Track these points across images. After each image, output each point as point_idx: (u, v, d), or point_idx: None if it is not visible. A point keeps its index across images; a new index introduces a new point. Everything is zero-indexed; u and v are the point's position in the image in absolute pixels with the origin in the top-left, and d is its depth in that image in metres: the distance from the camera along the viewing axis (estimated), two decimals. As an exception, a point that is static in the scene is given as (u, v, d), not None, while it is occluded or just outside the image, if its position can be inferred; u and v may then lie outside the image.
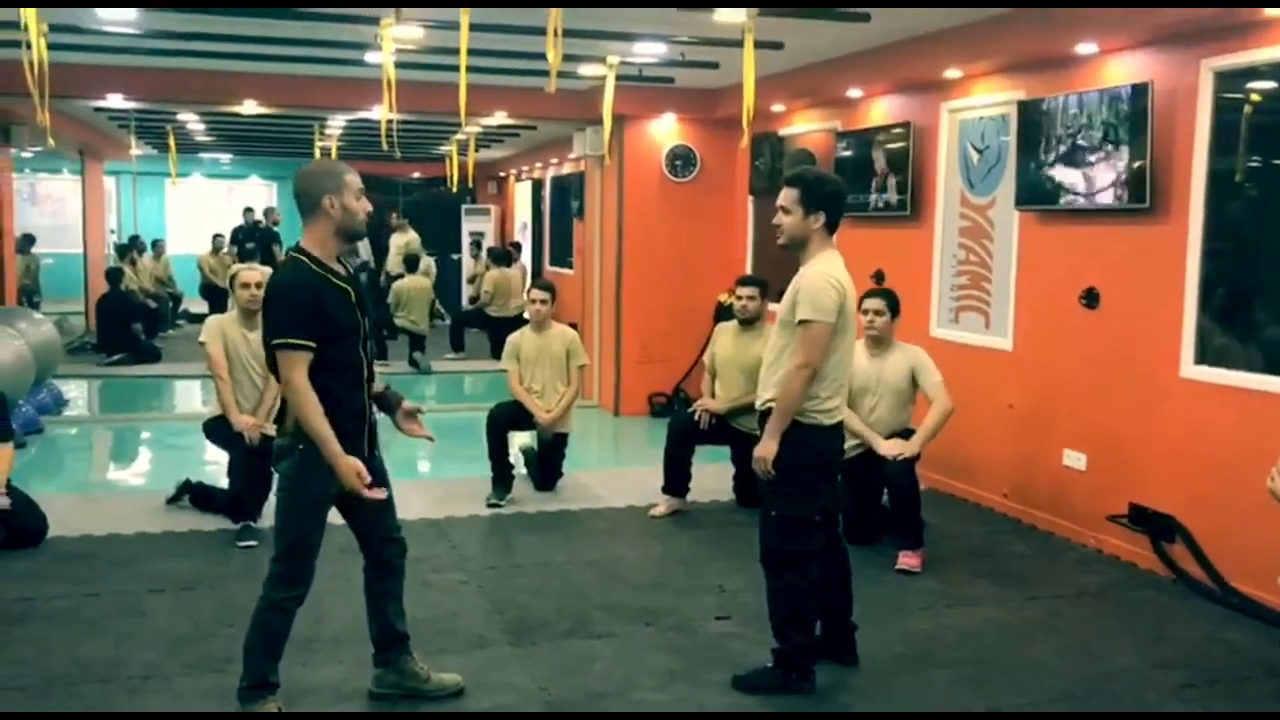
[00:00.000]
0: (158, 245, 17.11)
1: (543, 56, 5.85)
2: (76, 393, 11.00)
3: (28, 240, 14.45)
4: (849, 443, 5.96)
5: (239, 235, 17.83)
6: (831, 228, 4.03)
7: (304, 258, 3.57)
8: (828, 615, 4.25)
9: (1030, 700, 4.03)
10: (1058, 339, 6.19)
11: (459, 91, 6.07)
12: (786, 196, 4.02)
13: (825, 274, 3.92)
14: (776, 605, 4.06)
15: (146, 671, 4.10)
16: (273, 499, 3.77)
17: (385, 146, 7.47)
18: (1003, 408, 6.61)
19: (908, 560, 5.50)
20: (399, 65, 6.44)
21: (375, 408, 3.81)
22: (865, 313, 5.82)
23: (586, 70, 7.73)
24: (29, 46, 5.54)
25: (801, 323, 3.89)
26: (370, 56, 7.36)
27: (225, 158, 19.93)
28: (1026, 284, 6.49)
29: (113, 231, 18.86)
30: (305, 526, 3.62)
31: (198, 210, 20.80)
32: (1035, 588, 5.29)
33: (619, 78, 7.31)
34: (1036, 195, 6.20)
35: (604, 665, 4.26)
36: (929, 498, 6.75)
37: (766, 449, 3.93)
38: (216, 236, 16.77)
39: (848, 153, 8.03)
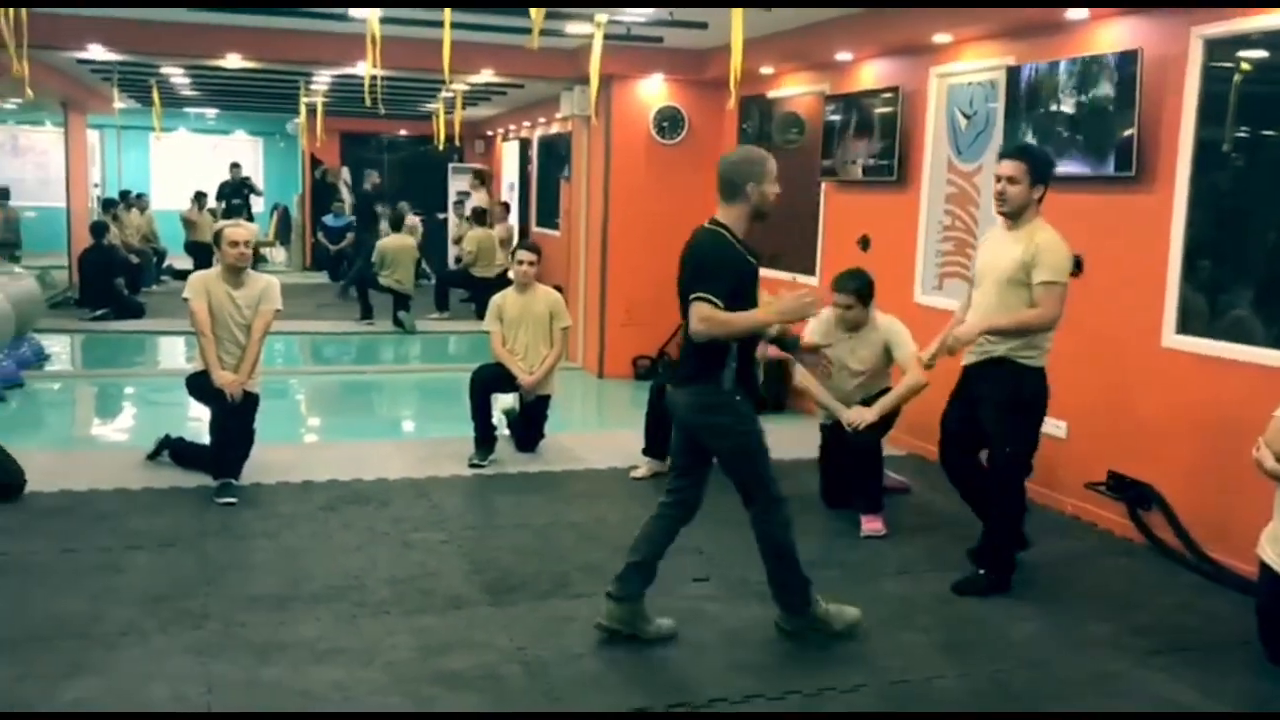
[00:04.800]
0: (141, 199, 16.96)
1: (529, 13, 5.78)
2: (58, 347, 10.93)
3: (3, 193, 14.24)
4: (819, 413, 5.99)
5: (225, 191, 17.65)
6: (1042, 199, 4.58)
7: (725, 232, 3.95)
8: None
9: (1002, 666, 4.05)
10: (1041, 307, 6.17)
11: (443, 48, 6.00)
12: (1014, 168, 4.50)
13: (1060, 241, 4.50)
14: (1002, 523, 4.78)
15: (123, 628, 4.09)
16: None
17: (369, 103, 7.40)
18: (985, 375, 6.61)
19: (870, 525, 5.52)
20: (384, 21, 6.36)
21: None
22: (835, 306, 5.79)
23: (574, 28, 7.66)
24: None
25: (1045, 284, 4.44)
26: (355, 11, 7.27)
27: (211, 112, 19.70)
28: (1011, 251, 6.46)
29: (96, 185, 18.68)
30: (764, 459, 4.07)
31: (183, 165, 20.60)
32: (1012, 554, 5.32)
33: (607, 36, 7.23)
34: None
35: (581, 625, 4.27)
36: (910, 464, 6.78)
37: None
38: (200, 194, 16.63)
39: (836, 116, 7.98)
